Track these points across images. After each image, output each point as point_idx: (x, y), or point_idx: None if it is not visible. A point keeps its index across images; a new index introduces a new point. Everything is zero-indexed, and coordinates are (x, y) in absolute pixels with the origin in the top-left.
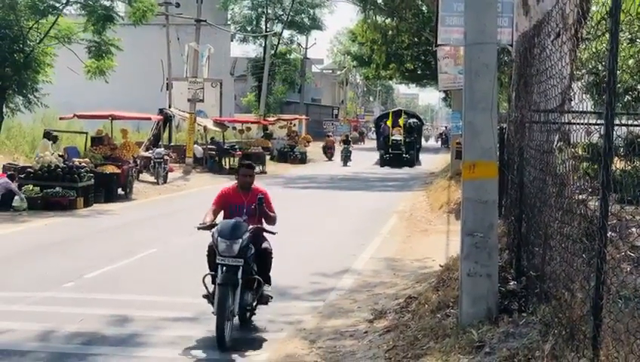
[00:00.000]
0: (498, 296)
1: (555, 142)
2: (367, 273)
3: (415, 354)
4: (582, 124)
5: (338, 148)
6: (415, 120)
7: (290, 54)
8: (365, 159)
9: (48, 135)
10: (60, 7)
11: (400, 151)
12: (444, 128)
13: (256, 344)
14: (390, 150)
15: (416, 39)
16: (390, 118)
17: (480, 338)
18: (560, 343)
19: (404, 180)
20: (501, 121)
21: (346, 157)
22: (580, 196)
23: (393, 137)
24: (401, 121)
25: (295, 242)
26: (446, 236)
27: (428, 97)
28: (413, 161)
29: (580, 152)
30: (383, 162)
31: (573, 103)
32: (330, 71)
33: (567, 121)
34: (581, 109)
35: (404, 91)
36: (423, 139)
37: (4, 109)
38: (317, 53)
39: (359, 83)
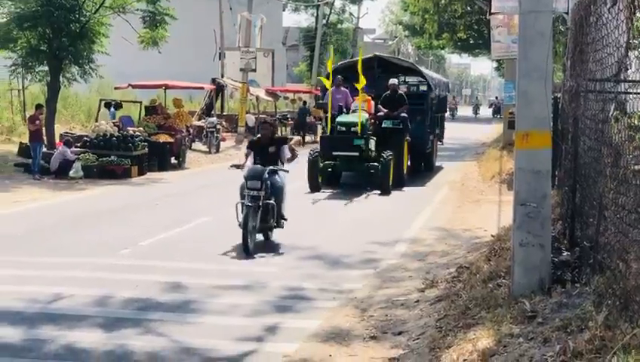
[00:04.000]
0: (551, 267)
1: (611, 112)
2: (418, 242)
3: (466, 323)
4: (638, 93)
5: None
6: (415, 79)
7: (342, 24)
8: None
9: (108, 105)
10: None
11: (354, 153)
12: (494, 98)
13: (308, 312)
14: (330, 149)
15: (469, 8)
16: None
17: (532, 308)
18: (614, 314)
19: (456, 150)
20: (555, 90)
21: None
22: (636, 166)
23: (340, 118)
24: (360, 83)
25: (346, 212)
26: (498, 206)
27: (480, 67)
28: (387, 177)
29: (636, 122)
30: (313, 181)
31: (629, 72)
32: (382, 41)
33: (623, 90)
34: (638, 78)
35: (456, 61)
36: (478, 111)
37: (61, 79)
38: (369, 22)
39: (411, 53)
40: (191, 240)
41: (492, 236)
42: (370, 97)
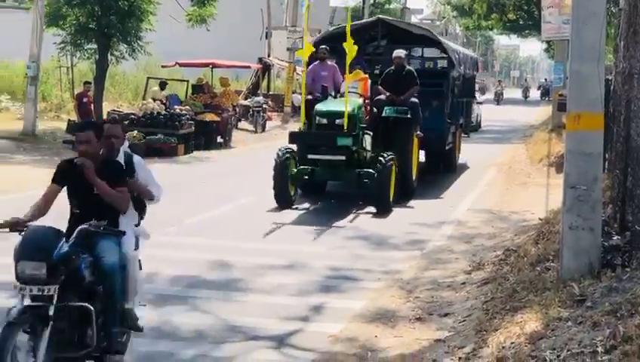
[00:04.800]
0: (600, 251)
1: None
2: (465, 224)
3: (514, 306)
4: None
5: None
6: (433, 53)
7: (389, 4)
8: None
9: (164, 84)
10: None
11: (338, 157)
12: (544, 80)
13: (353, 293)
14: (305, 151)
15: None
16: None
17: (581, 292)
18: None
19: (503, 133)
20: (606, 72)
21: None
22: None
23: (320, 106)
24: (350, 53)
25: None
26: (546, 189)
27: (529, 48)
28: (386, 190)
29: None
30: (281, 193)
31: None
32: (430, 21)
33: None
34: None
35: (504, 42)
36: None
37: (109, 57)
38: (416, 2)
39: (459, 34)
40: (236, 219)
41: (540, 219)
42: (366, 75)
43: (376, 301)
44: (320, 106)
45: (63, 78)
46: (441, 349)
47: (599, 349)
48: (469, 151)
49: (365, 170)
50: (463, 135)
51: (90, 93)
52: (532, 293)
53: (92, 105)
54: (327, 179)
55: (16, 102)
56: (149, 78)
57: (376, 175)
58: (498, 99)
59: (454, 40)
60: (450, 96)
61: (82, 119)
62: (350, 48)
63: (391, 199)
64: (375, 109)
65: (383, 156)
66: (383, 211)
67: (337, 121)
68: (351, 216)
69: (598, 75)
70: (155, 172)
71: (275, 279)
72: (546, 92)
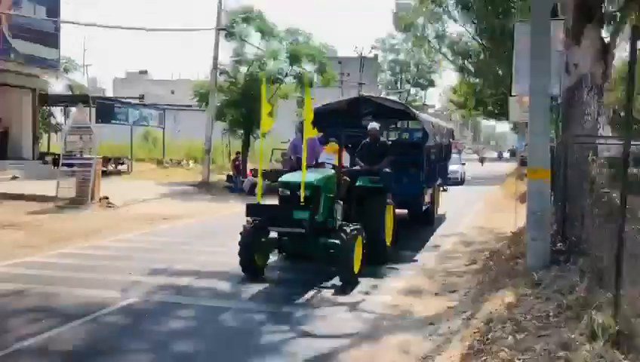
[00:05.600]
0: (550, 253)
1: (589, 156)
2: (465, 235)
3: (496, 287)
4: (605, 143)
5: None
6: (413, 125)
7: (414, 101)
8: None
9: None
10: (282, 78)
11: (297, 229)
12: (512, 147)
13: (396, 276)
14: (265, 223)
15: (494, 91)
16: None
17: (539, 278)
18: (592, 283)
19: (486, 178)
20: (551, 142)
21: None
22: (604, 190)
23: (284, 178)
24: (307, 131)
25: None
26: (514, 214)
27: (501, 127)
28: (349, 262)
29: (603, 161)
30: (246, 262)
31: (600, 130)
32: (440, 112)
33: (596, 142)
34: (603, 134)
35: (486, 123)
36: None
37: (250, 137)
38: (430, 99)
39: (458, 119)
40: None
41: (512, 233)
42: (338, 146)
43: (410, 282)
44: (283, 178)
45: (224, 149)
46: (452, 312)
47: (550, 314)
48: (463, 193)
49: (330, 240)
50: (442, 189)
51: (239, 158)
52: (508, 279)
53: (241, 166)
54: (295, 250)
55: (197, 165)
56: (273, 149)
57: (340, 245)
58: (482, 160)
59: (454, 123)
60: (425, 162)
61: (235, 174)
62: (308, 129)
63: (356, 271)
64: (349, 179)
65: (346, 229)
66: (346, 283)
67: (298, 193)
68: (308, 295)
69: (545, 144)
70: None
71: (353, 298)
72: (513, 153)
